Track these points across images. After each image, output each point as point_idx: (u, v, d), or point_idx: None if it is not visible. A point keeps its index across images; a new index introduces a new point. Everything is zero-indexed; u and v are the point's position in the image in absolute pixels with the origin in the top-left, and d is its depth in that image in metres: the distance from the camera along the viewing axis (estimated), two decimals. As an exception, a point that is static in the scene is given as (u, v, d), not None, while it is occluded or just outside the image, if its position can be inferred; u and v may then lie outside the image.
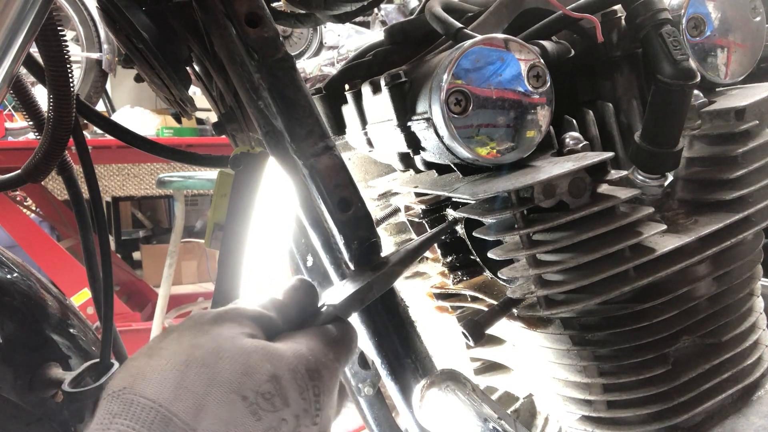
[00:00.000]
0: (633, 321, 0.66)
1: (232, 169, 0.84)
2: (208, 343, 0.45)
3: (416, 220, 0.85)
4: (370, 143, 0.84)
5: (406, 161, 0.82)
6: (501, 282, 0.75)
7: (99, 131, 3.21)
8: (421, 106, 0.68)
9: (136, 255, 5.46)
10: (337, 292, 0.56)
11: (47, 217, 4.13)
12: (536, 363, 0.74)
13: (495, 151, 0.64)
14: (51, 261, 3.14)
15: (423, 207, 0.83)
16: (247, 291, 0.84)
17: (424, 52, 0.83)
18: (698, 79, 0.66)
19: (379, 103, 0.76)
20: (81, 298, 2.95)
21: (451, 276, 0.84)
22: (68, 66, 0.78)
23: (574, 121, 0.73)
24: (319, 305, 0.55)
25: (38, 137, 0.88)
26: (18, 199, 4.12)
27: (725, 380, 0.71)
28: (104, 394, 0.42)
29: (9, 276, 1.00)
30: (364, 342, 0.72)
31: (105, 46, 3.60)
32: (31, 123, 0.91)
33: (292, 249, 0.94)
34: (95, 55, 3.61)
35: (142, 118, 4.05)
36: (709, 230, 0.67)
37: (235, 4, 0.66)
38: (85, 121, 1.00)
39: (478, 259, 0.78)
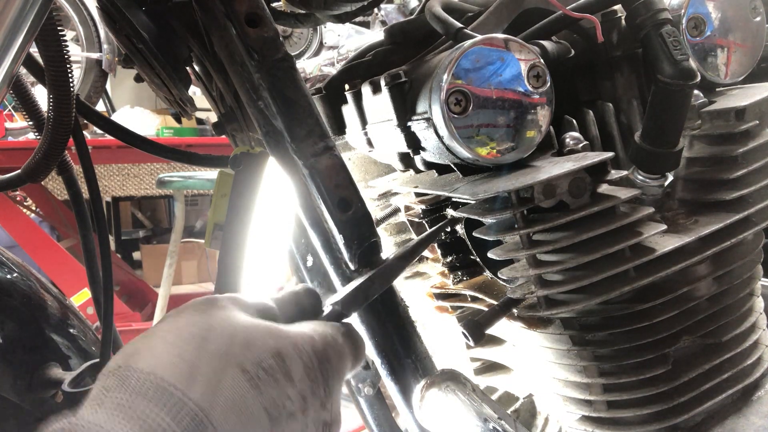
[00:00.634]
0: (633, 321, 0.66)
1: (232, 169, 0.84)
2: (206, 320, 0.44)
3: (416, 220, 0.85)
4: (370, 143, 0.84)
5: (406, 161, 0.82)
6: (501, 282, 0.75)
7: (99, 131, 3.20)
8: (421, 106, 0.68)
9: (136, 255, 5.46)
10: (337, 294, 0.56)
11: (47, 217, 4.13)
12: (536, 363, 0.74)
13: (495, 151, 0.64)
14: (51, 261, 3.14)
15: (423, 207, 0.83)
16: (247, 291, 0.84)
17: (424, 52, 0.83)
18: (698, 79, 0.66)
19: (379, 103, 0.76)
20: (81, 298, 2.95)
21: (451, 276, 0.83)
22: (68, 66, 0.78)
23: (574, 121, 0.73)
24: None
25: (38, 137, 0.88)
26: (18, 199, 4.12)
27: (725, 380, 0.71)
28: (100, 375, 0.41)
29: (9, 276, 1.00)
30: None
31: (105, 46, 3.60)
32: (31, 123, 0.91)
33: (292, 249, 0.95)
34: (95, 55, 3.61)
35: (142, 118, 4.05)
36: (709, 230, 0.67)
37: (235, 4, 0.66)
38: (85, 121, 1.00)
39: (478, 259, 0.78)
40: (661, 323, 0.67)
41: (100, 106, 4.21)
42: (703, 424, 0.70)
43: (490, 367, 0.88)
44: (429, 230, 0.72)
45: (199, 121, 4.14)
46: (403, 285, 0.95)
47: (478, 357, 0.87)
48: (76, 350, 1.03)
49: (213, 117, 1.47)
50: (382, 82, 0.73)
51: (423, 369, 0.72)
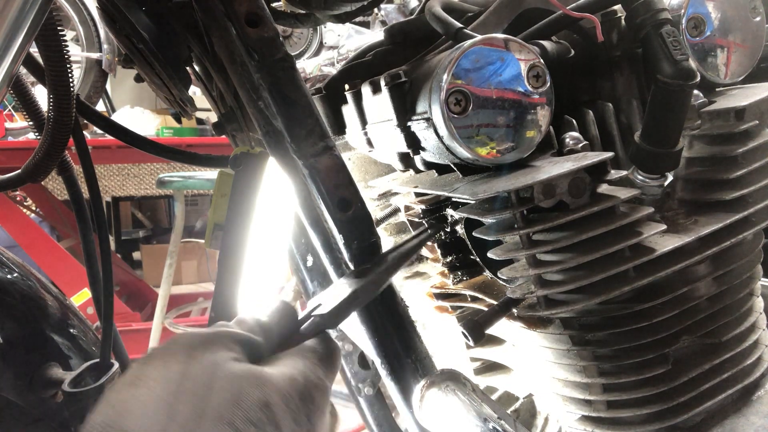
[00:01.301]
0: (633, 321, 0.66)
1: (232, 169, 0.84)
2: (197, 371, 0.43)
3: (416, 220, 0.85)
4: (370, 143, 0.84)
5: (406, 161, 0.82)
6: (501, 282, 0.75)
7: (99, 131, 3.21)
8: (421, 106, 0.68)
9: (136, 255, 5.46)
10: (328, 296, 0.55)
11: (47, 217, 4.13)
12: (536, 363, 0.74)
13: (495, 151, 0.64)
14: (51, 261, 3.14)
15: (423, 207, 0.83)
16: (246, 295, 0.84)
17: (424, 52, 0.83)
18: (698, 79, 0.66)
19: (379, 103, 0.76)
20: (81, 298, 2.95)
21: (451, 276, 0.83)
22: (68, 66, 0.78)
23: (574, 121, 0.73)
24: (308, 311, 0.55)
25: (38, 137, 0.88)
26: (18, 199, 4.12)
27: (725, 380, 0.71)
28: (88, 429, 0.39)
29: (9, 276, 1.01)
30: (364, 342, 0.72)
31: (105, 46, 3.60)
32: (31, 123, 0.91)
33: (292, 249, 0.95)
34: (95, 55, 3.62)
35: (142, 118, 4.05)
36: (709, 230, 0.67)
37: (235, 4, 0.66)
38: (85, 121, 1.00)
39: (478, 259, 0.78)
40: (661, 323, 0.67)
41: (100, 106, 4.21)
42: (702, 424, 0.70)
43: (490, 367, 0.88)
44: (417, 236, 0.71)
45: (199, 121, 4.14)
46: (403, 285, 0.95)
47: (478, 357, 0.87)
48: (77, 350, 1.03)
49: (213, 117, 1.47)
50: (382, 82, 0.73)
51: (423, 369, 0.72)
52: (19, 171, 0.91)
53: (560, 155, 0.68)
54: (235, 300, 0.81)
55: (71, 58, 0.79)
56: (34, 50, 0.73)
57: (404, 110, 0.72)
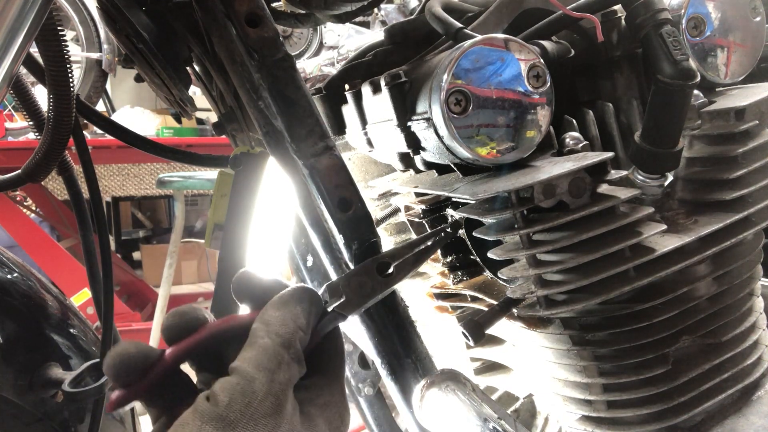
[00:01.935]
0: (633, 321, 0.66)
1: (232, 169, 0.84)
2: None
3: (416, 220, 0.85)
4: (370, 143, 0.84)
5: (406, 161, 0.82)
6: (501, 282, 0.75)
7: (99, 131, 3.21)
8: (421, 106, 0.68)
9: (136, 255, 5.46)
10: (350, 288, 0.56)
11: (47, 217, 4.13)
12: (536, 363, 0.74)
13: (495, 151, 0.64)
14: (51, 261, 3.14)
15: (423, 207, 0.83)
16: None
17: (424, 52, 0.83)
18: (698, 79, 0.66)
19: (379, 103, 0.76)
20: (81, 298, 2.95)
21: (451, 276, 0.83)
22: (68, 66, 0.78)
23: (574, 121, 0.73)
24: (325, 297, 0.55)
25: (38, 137, 0.88)
26: (18, 199, 4.12)
27: (725, 380, 0.71)
28: None
29: (9, 276, 1.00)
30: (364, 342, 0.72)
31: (105, 46, 3.61)
32: (31, 123, 0.91)
33: (292, 249, 0.95)
34: (95, 55, 3.62)
35: (142, 118, 4.05)
36: (709, 230, 0.67)
37: (235, 4, 0.66)
38: (85, 121, 1.00)
39: (478, 259, 0.78)
40: (661, 323, 0.67)
41: (100, 106, 4.21)
42: (702, 424, 0.70)
43: (490, 367, 0.88)
44: (430, 239, 0.71)
45: (199, 121, 4.14)
46: (403, 285, 0.95)
47: (478, 357, 0.87)
48: (77, 350, 1.03)
49: (213, 117, 1.47)
50: (382, 82, 0.73)
51: (423, 369, 0.72)
52: (19, 171, 0.91)
53: (560, 155, 0.68)
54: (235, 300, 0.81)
55: (71, 58, 0.79)
56: (34, 50, 0.73)
57: (404, 110, 0.72)
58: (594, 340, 0.68)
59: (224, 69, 0.71)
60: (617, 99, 0.76)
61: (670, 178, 0.72)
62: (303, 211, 0.72)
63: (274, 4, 0.92)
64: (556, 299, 0.66)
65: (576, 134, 0.69)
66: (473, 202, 0.68)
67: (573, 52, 0.74)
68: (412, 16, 0.90)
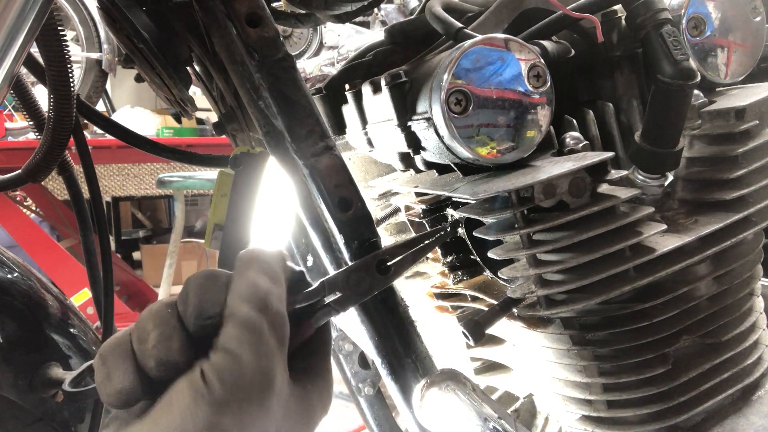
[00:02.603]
0: (633, 321, 0.66)
1: (232, 169, 0.84)
2: None
3: (416, 220, 0.85)
4: (370, 143, 0.84)
5: (406, 161, 0.82)
6: (501, 282, 0.75)
7: (99, 131, 3.21)
8: (422, 106, 0.68)
9: (136, 255, 5.46)
10: (346, 283, 0.56)
11: (47, 217, 4.13)
12: (536, 363, 0.74)
13: (495, 150, 0.64)
14: (51, 261, 3.14)
15: (423, 207, 0.83)
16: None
17: (425, 52, 0.83)
18: (698, 79, 0.66)
19: (379, 103, 0.76)
20: (81, 298, 2.95)
21: (451, 276, 0.84)
22: (68, 66, 0.78)
23: (574, 121, 0.73)
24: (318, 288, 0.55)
25: (38, 137, 0.88)
26: (18, 199, 4.12)
27: (725, 380, 0.71)
28: None
29: (9, 276, 1.00)
30: (364, 342, 0.72)
31: (105, 46, 3.61)
32: (31, 123, 0.91)
33: (292, 249, 0.95)
34: (95, 55, 3.62)
35: (142, 118, 4.05)
36: (709, 230, 0.67)
37: (236, 4, 0.66)
38: (86, 121, 1.00)
39: (478, 259, 0.78)
40: (661, 323, 0.67)
41: (100, 106, 4.22)
42: (702, 424, 0.70)
43: (490, 367, 0.88)
44: (429, 237, 0.71)
45: (199, 121, 4.15)
46: (403, 285, 0.95)
47: (478, 357, 0.87)
48: (77, 350, 1.03)
49: (213, 117, 1.47)
50: (383, 82, 0.73)
51: (423, 369, 0.72)
52: (19, 171, 0.91)
53: (560, 155, 0.68)
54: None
55: (71, 58, 0.79)
56: (34, 50, 0.73)
57: (404, 110, 0.72)
58: (594, 340, 0.68)
59: (224, 69, 0.71)
60: (617, 99, 0.76)
61: (670, 178, 0.72)
62: (303, 210, 0.72)
63: (274, 4, 0.92)
64: (556, 299, 0.66)
65: (576, 134, 0.69)
66: (473, 201, 0.68)
67: (573, 52, 0.74)
68: (412, 16, 0.90)
